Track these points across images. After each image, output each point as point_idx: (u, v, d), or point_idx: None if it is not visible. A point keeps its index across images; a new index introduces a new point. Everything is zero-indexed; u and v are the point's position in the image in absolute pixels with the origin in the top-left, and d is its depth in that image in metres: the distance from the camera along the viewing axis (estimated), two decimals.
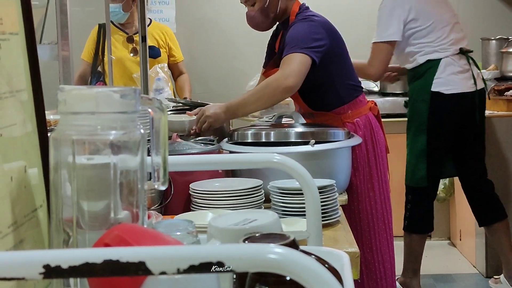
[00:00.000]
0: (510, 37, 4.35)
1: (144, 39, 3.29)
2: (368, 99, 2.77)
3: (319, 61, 2.45)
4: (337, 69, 2.61)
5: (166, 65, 3.89)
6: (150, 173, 0.95)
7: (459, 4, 4.89)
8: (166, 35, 4.31)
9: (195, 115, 2.52)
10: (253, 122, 3.43)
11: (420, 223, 3.55)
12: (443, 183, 4.40)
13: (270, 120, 3.22)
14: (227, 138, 2.40)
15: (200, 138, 2.35)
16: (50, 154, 0.83)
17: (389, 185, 2.70)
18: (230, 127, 3.08)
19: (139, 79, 3.33)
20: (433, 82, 3.36)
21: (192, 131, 2.52)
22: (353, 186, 2.50)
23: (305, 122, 2.48)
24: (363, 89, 2.78)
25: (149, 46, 3.78)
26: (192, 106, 2.72)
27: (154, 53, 4.09)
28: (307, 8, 2.69)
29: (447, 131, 3.42)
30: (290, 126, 2.37)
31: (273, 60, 2.76)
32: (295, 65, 2.41)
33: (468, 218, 4.10)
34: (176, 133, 2.26)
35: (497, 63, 4.38)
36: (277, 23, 2.77)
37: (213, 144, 2.26)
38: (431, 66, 3.37)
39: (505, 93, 3.89)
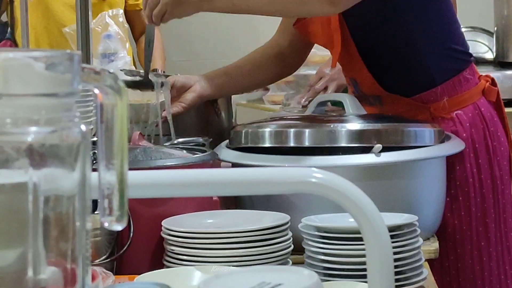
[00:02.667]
0: None
1: None
2: (480, 73, 2.75)
3: None
4: (427, 19, 2.61)
5: (121, 11, 3.90)
6: (96, 201, 0.95)
7: None
8: None
9: None
10: (274, 111, 3.43)
11: None
12: None
13: (304, 107, 3.23)
14: (227, 140, 2.41)
15: (181, 140, 2.36)
16: None
17: None
18: (234, 120, 3.09)
19: (74, 35, 3.34)
20: None
21: (162, 119, 2.56)
22: (448, 227, 2.50)
23: (365, 113, 2.48)
24: (472, 58, 2.76)
25: None
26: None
27: None
28: None
29: None
30: (338, 119, 2.37)
31: None
32: None
33: None
34: (139, 132, 2.27)
35: None
36: None
37: (204, 151, 2.26)
38: None
39: None
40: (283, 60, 2.85)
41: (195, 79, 2.71)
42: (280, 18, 2.89)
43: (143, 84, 2.62)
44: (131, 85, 2.66)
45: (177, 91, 2.67)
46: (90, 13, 3.31)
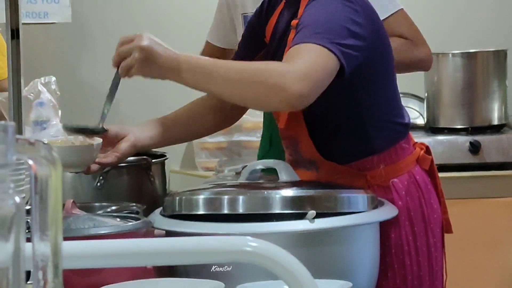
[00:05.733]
0: None
1: (15, 34, 3.30)
2: (415, 141, 2.78)
3: (349, 72, 2.45)
4: (372, 93, 2.63)
5: (54, 78, 3.90)
6: (29, 273, 0.95)
7: None
8: None
9: (122, 45, 2.49)
10: (209, 178, 3.44)
11: None
12: None
13: (238, 174, 3.24)
14: (161, 208, 2.40)
15: (114, 208, 2.36)
16: None
17: None
18: (167, 187, 3.09)
19: (6, 103, 3.33)
20: None
21: (94, 167, 2.56)
22: None
23: (299, 179, 2.49)
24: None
25: None
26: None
27: None
28: None
29: None
30: (272, 186, 2.39)
31: (262, 55, 2.76)
32: (316, 63, 2.37)
33: None
34: (72, 200, 2.26)
35: None
36: None
37: (138, 219, 2.26)
38: None
39: None
40: (223, 112, 2.82)
41: (129, 129, 2.67)
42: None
43: (94, 131, 2.59)
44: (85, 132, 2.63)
45: (110, 141, 2.62)
46: (22, 80, 3.30)
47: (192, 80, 2.45)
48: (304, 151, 2.64)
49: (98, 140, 2.55)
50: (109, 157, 2.61)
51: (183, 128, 2.84)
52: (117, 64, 2.48)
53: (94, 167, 2.59)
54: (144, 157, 2.89)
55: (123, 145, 2.62)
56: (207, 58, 2.51)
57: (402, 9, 3.28)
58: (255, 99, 2.48)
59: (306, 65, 2.37)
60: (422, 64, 3.33)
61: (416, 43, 3.20)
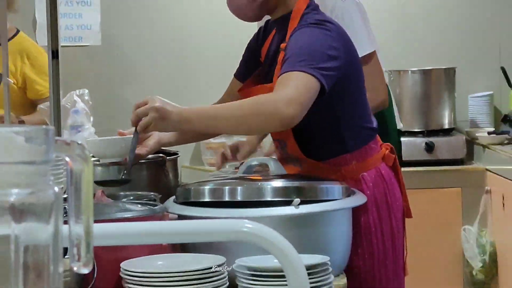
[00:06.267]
0: None
1: (55, 54, 3.29)
2: (382, 143, 2.78)
3: (328, 89, 2.44)
4: (347, 103, 2.63)
5: (87, 91, 3.89)
6: (66, 249, 0.95)
7: (504, 12, 5.04)
8: (25, 58, 4.15)
9: (138, 107, 2.48)
10: (212, 172, 3.43)
11: None
12: (481, 259, 4.45)
13: (236, 169, 3.23)
14: (174, 196, 2.40)
15: (136, 196, 2.35)
16: None
17: (407, 266, 2.72)
18: (179, 179, 3.09)
19: (48, 111, 3.32)
20: None
21: (127, 159, 2.58)
22: (354, 267, 2.50)
23: (286, 173, 2.49)
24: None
25: None
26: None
27: None
28: (317, 7, 2.67)
29: None
30: (265, 178, 2.38)
31: (257, 72, 2.76)
32: (302, 88, 2.38)
33: None
34: (102, 190, 2.26)
35: None
36: (269, 19, 2.77)
37: (155, 205, 2.25)
38: None
39: None
40: None
41: (152, 132, 2.68)
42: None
43: (121, 181, 2.60)
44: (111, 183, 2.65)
45: (141, 139, 2.64)
46: (59, 92, 3.30)
47: (202, 126, 2.49)
48: (290, 150, 2.64)
49: (130, 137, 2.58)
50: (140, 150, 2.63)
51: (194, 132, 2.84)
52: (135, 124, 2.46)
53: (127, 158, 2.60)
54: (160, 155, 2.88)
55: (151, 142, 2.67)
56: (207, 106, 2.53)
57: (374, 51, 3.30)
58: (257, 128, 2.54)
59: (293, 90, 2.37)
60: (380, 109, 3.37)
61: (377, 95, 3.23)
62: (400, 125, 4.76)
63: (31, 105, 4.07)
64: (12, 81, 3.69)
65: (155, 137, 2.68)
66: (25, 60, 4.10)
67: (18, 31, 4.02)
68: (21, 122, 3.81)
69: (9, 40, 3.93)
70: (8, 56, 3.94)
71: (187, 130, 2.60)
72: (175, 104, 2.48)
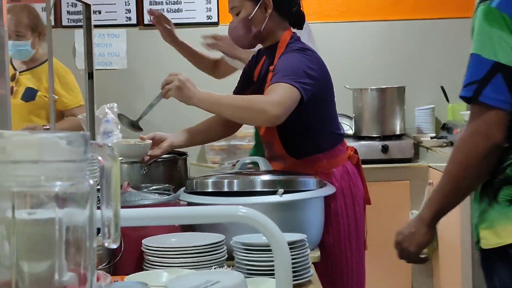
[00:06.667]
0: None
1: (91, 76, 3.29)
2: (348, 145, 2.79)
3: (306, 100, 2.46)
4: (321, 113, 2.63)
5: (115, 104, 3.88)
6: (99, 229, 0.94)
7: (443, 39, 5.07)
8: (55, 77, 4.12)
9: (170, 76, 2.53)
10: (214, 169, 3.43)
11: None
12: None
13: (233, 165, 3.23)
14: (184, 188, 2.40)
15: (154, 187, 2.35)
16: None
17: (367, 242, 2.72)
18: (188, 174, 3.08)
19: (85, 120, 3.32)
20: None
21: (146, 158, 2.63)
22: (326, 243, 2.50)
23: (272, 169, 2.49)
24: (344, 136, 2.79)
25: (28, 87, 3.75)
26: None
27: (28, 95, 4.00)
28: (299, 39, 2.70)
29: None
30: (256, 173, 2.38)
31: (250, 89, 2.76)
32: (286, 95, 2.40)
33: (454, 276, 4.13)
34: (127, 182, 2.26)
35: None
36: (260, 48, 2.78)
37: (169, 194, 2.25)
38: None
39: None
40: (227, 124, 2.81)
41: (168, 135, 2.72)
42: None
43: (135, 125, 2.73)
44: (129, 123, 2.76)
45: (156, 142, 2.68)
46: (94, 107, 3.30)
47: (209, 107, 2.52)
48: (276, 150, 2.65)
49: (148, 141, 2.65)
50: (155, 152, 2.66)
51: (201, 136, 2.86)
52: (163, 87, 2.52)
53: (146, 158, 2.66)
54: (173, 155, 2.88)
55: (164, 144, 2.68)
56: (218, 93, 2.52)
57: None
58: (249, 120, 2.56)
59: (280, 95, 2.39)
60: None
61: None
62: (351, 131, 4.78)
63: (59, 115, 4.06)
64: (56, 97, 3.66)
65: (168, 141, 2.68)
66: (55, 79, 4.08)
67: (47, 59, 3.99)
68: (47, 129, 3.79)
69: (43, 63, 3.92)
70: (42, 76, 3.95)
71: (198, 107, 2.56)
72: (199, 89, 2.53)
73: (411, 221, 1.98)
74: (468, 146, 1.82)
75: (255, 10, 2.61)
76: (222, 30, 4.87)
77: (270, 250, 1.22)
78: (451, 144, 4.55)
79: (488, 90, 1.77)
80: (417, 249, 1.96)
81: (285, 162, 2.64)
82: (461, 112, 4.66)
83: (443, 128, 4.80)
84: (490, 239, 1.86)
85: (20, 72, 3.96)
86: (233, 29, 2.70)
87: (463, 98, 1.84)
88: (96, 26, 3.53)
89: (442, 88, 4.89)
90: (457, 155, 1.86)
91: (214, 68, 3.69)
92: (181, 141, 2.75)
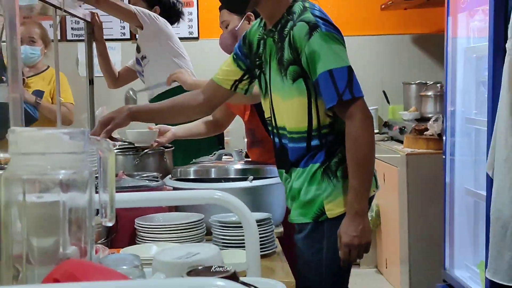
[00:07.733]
0: (428, 82, 4.51)
1: (91, 82, 3.27)
2: None
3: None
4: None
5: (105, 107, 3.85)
6: (98, 210, 0.94)
7: (385, 52, 5.09)
8: (52, 83, 3.95)
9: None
10: (196, 159, 3.42)
11: None
12: (370, 215, 4.47)
13: (211, 157, 3.22)
14: (170, 175, 2.38)
15: (145, 175, 2.33)
16: (1, 193, 0.81)
17: None
18: (174, 164, 3.07)
19: (98, 116, 3.29)
20: None
21: (155, 144, 2.63)
22: (287, 220, 2.50)
23: (244, 159, 2.49)
24: None
25: (35, 90, 3.72)
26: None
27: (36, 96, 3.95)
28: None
29: None
30: (230, 163, 2.38)
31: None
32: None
33: (393, 247, 4.17)
34: (122, 171, 2.24)
35: (417, 105, 4.54)
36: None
37: (157, 181, 2.24)
38: None
39: (424, 133, 4.01)
40: (216, 124, 2.88)
41: (171, 127, 2.74)
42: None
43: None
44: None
45: (161, 132, 2.69)
46: (94, 107, 3.27)
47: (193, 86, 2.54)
48: (257, 135, 2.67)
49: (156, 130, 2.66)
50: (161, 139, 2.68)
51: (197, 130, 2.87)
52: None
53: (155, 144, 2.66)
54: (161, 148, 2.86)
55: (168, 134, 2.72)
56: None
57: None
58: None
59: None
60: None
61: None
62: None
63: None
64: (62, 100, 3.62)
65: (171, 131, 2.72)
66: (53, 84, 4.04)
67: (48, 67, 3.94)
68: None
69: (43, 71, 3.86)
70: (43, 82, 3.90)
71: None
72: (196, 78, 2.60)
73: (349, 220, 1.82)
74: (365, 129, 1.87)
75: (241, 22, 2.63)
76: (202, 44, 4.90)
77: (241, 227, 1.22)
78: (391, 138, 4.58)
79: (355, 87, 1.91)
80: (370, 238, 1.86)
81: (264, 147, 2.64)
82: (400, 112, 4.68)
83: (385, 125, 4.83)
84: (335, 209, 1.88)
85: (27, 77, 3.90)
86: (223, 39, 2.72)
87: (346, 101, 1.87)
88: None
89: (384, 92, 4.93)
90: (361, 142, 1.85)
91: (114, 77, 3.61)
92: (183, 132, 2.78)
